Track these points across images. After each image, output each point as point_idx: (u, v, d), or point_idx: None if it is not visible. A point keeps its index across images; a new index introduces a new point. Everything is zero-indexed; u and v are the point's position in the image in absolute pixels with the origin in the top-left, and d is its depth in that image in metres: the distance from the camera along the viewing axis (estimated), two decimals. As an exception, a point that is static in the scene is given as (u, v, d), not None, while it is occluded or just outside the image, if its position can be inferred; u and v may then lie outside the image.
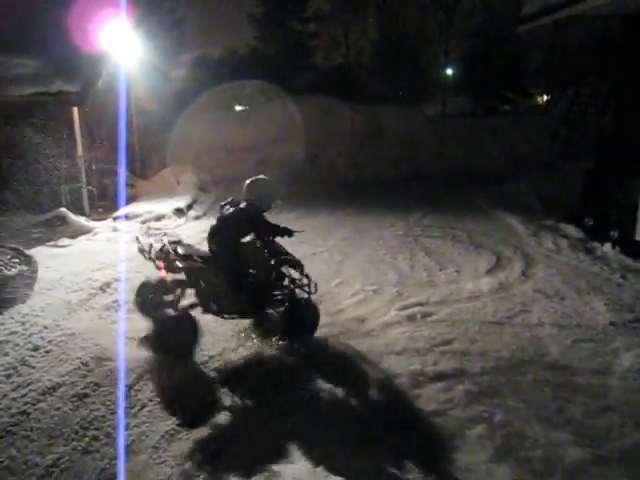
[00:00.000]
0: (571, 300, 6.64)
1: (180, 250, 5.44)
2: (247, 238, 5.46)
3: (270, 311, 5.73)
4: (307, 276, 5.53)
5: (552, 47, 32.14)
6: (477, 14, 34.33)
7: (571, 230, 9.99)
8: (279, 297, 5.63)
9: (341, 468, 3.55)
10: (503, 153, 17.33)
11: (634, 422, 4.11)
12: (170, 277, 5.50)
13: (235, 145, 17.42)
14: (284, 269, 5.59)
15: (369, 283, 7.31)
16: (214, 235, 5.38)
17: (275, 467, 3.56)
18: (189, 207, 12.82)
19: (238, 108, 24.96)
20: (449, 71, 35.08)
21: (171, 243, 5.61)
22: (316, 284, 5.56)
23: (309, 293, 5.53)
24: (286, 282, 5.65)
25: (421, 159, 16.84)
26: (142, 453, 3.75)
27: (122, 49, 13.10)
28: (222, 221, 5.38)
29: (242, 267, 5.42)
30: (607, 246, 8.94)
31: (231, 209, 5.39)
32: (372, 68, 34.17)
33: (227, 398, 4.52)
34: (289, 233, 5.48)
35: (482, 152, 17.88)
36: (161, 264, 5.38)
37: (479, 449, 3.86)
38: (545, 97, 35.18)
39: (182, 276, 5.44)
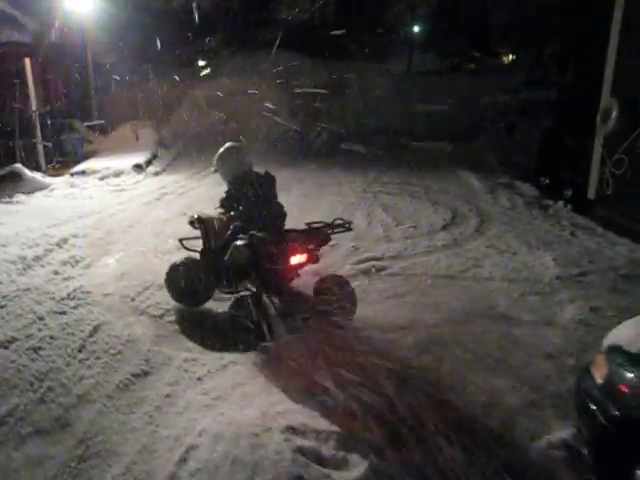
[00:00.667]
0: (522, 255, 6.88)
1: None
2: None
3: None
4: None
5: (517, 5, 32.03)
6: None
7: (526, 188, 10.25)
8: None
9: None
10: (465, 111, 17.42)
11: (570, 369, 4.35)
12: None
13: (196, 101, 17.08)
14: None
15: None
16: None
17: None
18: (148, 163, 12.66)
19: (201, 63, 24.36)
20: (415, 28, 34.74)
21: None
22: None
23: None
24: None
25: (384, 116, 16.81)
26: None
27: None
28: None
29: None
30: (560, 204, 9.22)
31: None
32: (337, 24, 33.58)
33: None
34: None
35: (444, 111, 17.98)
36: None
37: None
38: (510, 57, 35.22)
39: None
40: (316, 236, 5.00)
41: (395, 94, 18.44)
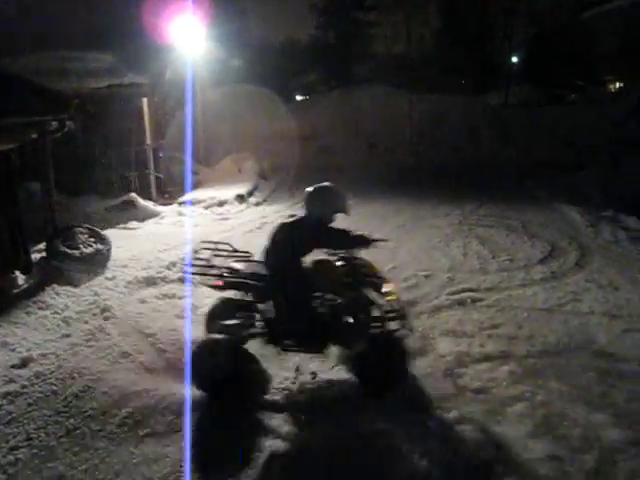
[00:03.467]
0: (625, 291, 6.61)
1: (237, 266, 4.64)
2: (312, 256, 4.56)
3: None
4: (401, 308, 4.53)
5: (627, 31, 30.72)
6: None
7: (632, 222, 9.80)
8: (357, 331, 4.43)
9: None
10: (565, 143, 16.95)
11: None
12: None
13: (295, 134, 17.79)
14: (369, 294, 4.57)
15: (422, 269, 7.50)
16: (267, 256, 4.50)
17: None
18: (250, 193, 13.30)
19: (299, 97, 25.32)
20: (514, 58, 34.19)
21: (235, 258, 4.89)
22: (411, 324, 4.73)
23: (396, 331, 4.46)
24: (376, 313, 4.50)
25: (481, 149, 16.73)
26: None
27: (188, 40, 13.64)
28: (274, 238, 4.48)
29: (302, 291, 4.46)
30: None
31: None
32: (433, 57, 33.79)
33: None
34: (366, 243, 4.55)
35: (544, 142, 17.57)
36: (219, 282, 4.55)
37: (518, 425, 4.05)
38: (617, 84, 33.70)
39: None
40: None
41: (491, 127, 18.28)
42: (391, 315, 4.43)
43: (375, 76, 22.11)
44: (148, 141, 12.97)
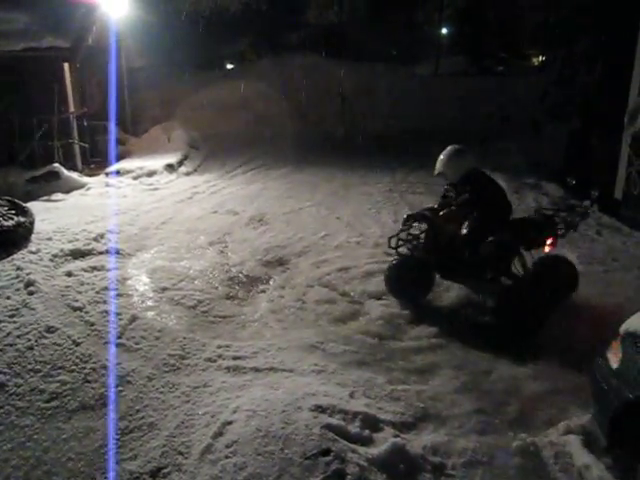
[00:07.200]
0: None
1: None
2: None
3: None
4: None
5: (549, 6, 31.67)
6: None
7: (553, 188, 10.27)
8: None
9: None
10: (493, 113, 17.40)
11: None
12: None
13: (226, 103, 17.43)
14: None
15: (353, 235, 7.61)
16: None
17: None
18: (180, 163, 12.98)
19: (229, 66, 24.78)
20: (444, 30, 34.65)
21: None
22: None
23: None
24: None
25: (411, 118, 16.93)
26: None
27: (113, 2, 13.00)
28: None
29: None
30: (586, 204, 9.23)
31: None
32: (365, 27, 33.72)
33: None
34: None
35: (472, 112, 17.98)
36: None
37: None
38: (540, 58, 34.85)
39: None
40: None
41: (422, 96, 18.50)
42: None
43: (306, 45, 21.83)
44: (71, 109, 12.38)
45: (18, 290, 5.48)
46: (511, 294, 5.30)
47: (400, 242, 5.66)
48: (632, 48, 8.52)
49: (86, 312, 5.14)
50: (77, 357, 4.39)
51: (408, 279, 5.45)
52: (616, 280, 6.21)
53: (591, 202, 9.23)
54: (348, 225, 8.17)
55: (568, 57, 19.91)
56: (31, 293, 5.43)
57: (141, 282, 6.11)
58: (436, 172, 5.60)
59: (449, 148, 5.53)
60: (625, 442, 3.13)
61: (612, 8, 10.52)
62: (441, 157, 5.54)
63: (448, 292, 5.83)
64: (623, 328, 3.34)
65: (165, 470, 3.28)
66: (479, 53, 30.20)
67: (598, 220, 8.53)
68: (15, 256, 6.35)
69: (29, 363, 4.31)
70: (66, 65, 11.95)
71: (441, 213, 5.47)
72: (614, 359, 3.22)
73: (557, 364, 4.45)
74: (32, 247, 6.67)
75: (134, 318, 5.10)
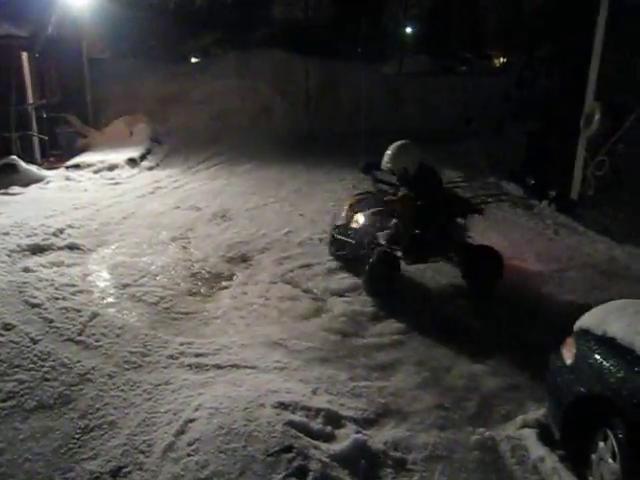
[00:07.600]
0: (504, 252, 7.09)
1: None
2: None
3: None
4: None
5: (510, 9, 32.32)
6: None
7: (512, 188, 10.50)
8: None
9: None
10: (455, 113, 17.67)
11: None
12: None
13: (190, 97, 17.21)
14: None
15: (316, 232, 7.65)
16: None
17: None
18: (142, 157, 12.79)
19: (194, 60, 24.50)
20: (408, 29, 34.98)
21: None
22: None
23: None
24: None
25: (374, 116, 17.00)
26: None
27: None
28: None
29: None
30: (544, 204, 9.49)
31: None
32: (330, 24, 33.76)
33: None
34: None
35: (435, 111, 18.22)
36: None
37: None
38: (502, 59, 35.54)
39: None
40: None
41: (386, 95, 18.63)
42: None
43: (272, 40, 21.73)
44: (30, 100, 12.07)
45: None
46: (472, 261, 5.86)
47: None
48: (589, 53, 8.75)
49: (45, 309, 5.02)
50: (35, 355, 4.28)
51: (383, 275, 5.59)
52: (571, 278, 6.40)
53: (549, 201, 9.49)
54: (311, 222, 8.20)
55: (529, 60, 20.37)
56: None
57: (102, 278, 6.03)
58: (383, 167, 5.76)
59: (395, 144, 5.72)
60: (577, 434, 3.24)
61: (570, 14, 10.79)
62: (388, 152, 5.70)
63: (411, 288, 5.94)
64: (577, 325, 3.45)
65: (126, 469, 3.23)
66: (443, 53, 30.63)
67: (555, 220, 8.78)
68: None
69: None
70: (24, 55, 11.64)
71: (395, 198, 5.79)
72: (568, 355, 3.32)
73: (515, 361, 4.58)
74: (-13, 242, 6.50)
75: (94, 315, 5.01)
